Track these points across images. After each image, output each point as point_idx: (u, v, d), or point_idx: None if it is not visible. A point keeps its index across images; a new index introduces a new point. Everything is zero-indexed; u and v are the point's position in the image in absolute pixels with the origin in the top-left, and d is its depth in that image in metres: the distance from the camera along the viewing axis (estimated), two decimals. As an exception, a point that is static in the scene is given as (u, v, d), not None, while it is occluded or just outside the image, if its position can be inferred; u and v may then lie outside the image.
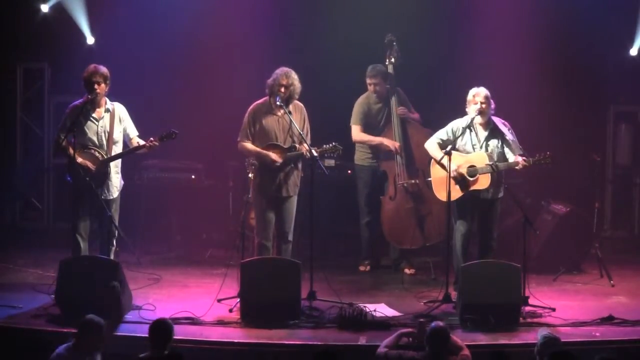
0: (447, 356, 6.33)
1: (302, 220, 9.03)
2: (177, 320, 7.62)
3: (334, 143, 8.54)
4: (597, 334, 7.47)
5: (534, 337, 6.89)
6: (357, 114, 9.83)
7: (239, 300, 7.89)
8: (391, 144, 9.68)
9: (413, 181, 9.69)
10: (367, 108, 9.82)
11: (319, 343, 7.17)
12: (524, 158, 8.32)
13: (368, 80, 9.81)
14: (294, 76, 8.51)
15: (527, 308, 7.94)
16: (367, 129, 9.82)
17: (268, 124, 8.60)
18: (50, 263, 9.06)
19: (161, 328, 6.37)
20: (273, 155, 8.51)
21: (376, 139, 9.76)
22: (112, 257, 8.39)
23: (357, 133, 9.80)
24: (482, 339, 7.33)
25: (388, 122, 9.80)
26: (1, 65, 11.56)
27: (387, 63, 9.75)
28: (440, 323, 6.53)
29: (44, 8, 11.30)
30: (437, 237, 9.67)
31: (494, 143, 8.53)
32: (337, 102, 10.06)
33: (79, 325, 6.41)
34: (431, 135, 9.15)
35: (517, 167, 8.40)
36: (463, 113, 8.60)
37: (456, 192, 8.47)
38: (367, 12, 10.80)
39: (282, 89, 8.46)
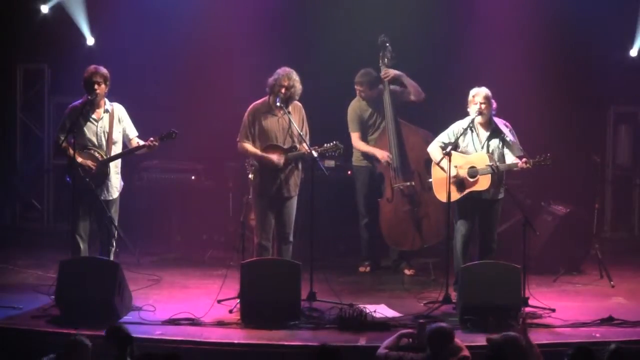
0: (447, 357, 6.31)
1: (302, 221, 9.02)
2: (177, 321, 7.65)
3: (335, 142, 8.54)
4: (597, 335, 7.46)
5: (534, 338, 6.88)
6: (352, 121, 9.83)
7: (239, 301, 7.89)
8: (381, 155, 9.68)
9: (408, 184, 9.68)
10: (360, 113, 9.82)
11: (319, 344, 7.16)
12: (524, 160, 8.32)
13: (355, 86, 9.83)
14: (296, 77, 8.50)
15: (527, 309, 7.93)
16: (363, 133, 9.83)
17: (268, 125, 8.60)
18: (50, 264, 9.06)
19: (117, 334, 6.17)
20: (274, 158, 8.50)
21: (371, 151, 9.75)
22: (111, 258, 8.39)
23: (356, 141, 9.81)
24: (482, 340, 7.29)
25: (382, 126, 9.79)
26: (1, 66, 11.58)
27: (380, 64, 9.75)
28: (443, 324, 6.50)
29: (44, 9, 11.31)
30: (435, 238, 9.68)
31: (494, 143, 8.53)
32: (336, 102, 10.05)
33: (64, 345, 6.12)
34: (427, 136, 9.19)
35: (515, 169, 8.41)
36: (463, 113, 8.60)
37: (456, 193, 8.47)
38: (366, 11, 10.80)
39: (283, 90, 8.46)
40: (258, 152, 8.56)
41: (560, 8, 10.85)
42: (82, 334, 6.24)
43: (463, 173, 8.46)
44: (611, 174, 11.62)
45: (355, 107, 9.86)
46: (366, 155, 9.85)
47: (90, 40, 11.40)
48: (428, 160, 8.85)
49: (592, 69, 11.06)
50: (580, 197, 10.38)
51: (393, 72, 9.72)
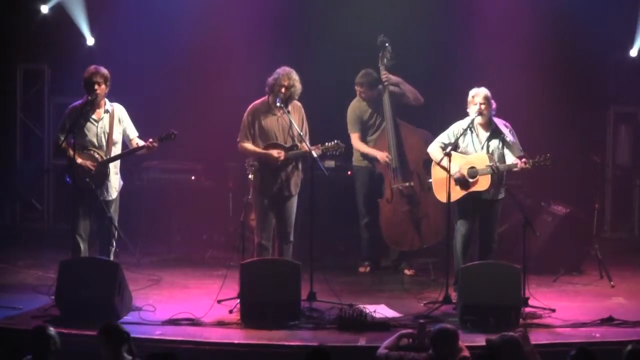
0: (449, 358, 6.29)
1: (302, 221, 9.03)
2: (177, 321, 7.65)
3: (336, 140, 8.55)
4: (597, 335, 7.45)
5: (534, 338, 6.89)
6: (352, 122, 9.84)
7: (239, 301, 7.88)
8: (380, 156, 9.68)
9: (407, 184, 9.69)
10: (360, 114, 9.83)
11: (318, 344, 7.16)
12: (524, 160, 8.32)
13: (355, 87, 9.84)
14: (295, 77, 8.50)
15: (527, 309, 7.93)
16: (363, 134, 9.84)
17: (268, 124, 8.60)
18: (50, 264, 9.06)
19: (112, 332, 6.09)
20: (275, 152, 8.50)
21: (371, 153, 9.75)
22: (111, 258, 8.39)
23: (356, 142, 9.82)
24: (482, 340, 7.28)
25: (381, 126, 9.79)
26: (1, 66, 11.57)
27: (379, 65, 9.75)
28: (448, 325, 6.49)
29: (44, 9, 11.31)
30: (434, 239, 9.69)
31: (494, 144, 8.53)
32: (336, 103, 10.05)
33: (31, 336, 6.05)
34: (427, 136, 9.19)
35: (515, 170, 8.41)
36: (463, 114, 8.60)
37: (456, 193, 8.47)
38: (367, 11, 10.80)
39: (283, 90, 8.46)
40: (258, 149, 8.56)
41: (560, 8, 10.85)
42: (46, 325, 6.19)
43: (464, 173, 8.45)
44: (611, 174, 11.61)
45: (355, 108, 9.86)
46: (366, 156, 9.85)
47: (90, 40, 11.40)
48: (427, 161, 8.85)
49: (592, 69, 11.06)
50: (580, 197, 10.38)
51: (394, 78, 9.73)
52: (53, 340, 5.93)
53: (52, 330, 6.00)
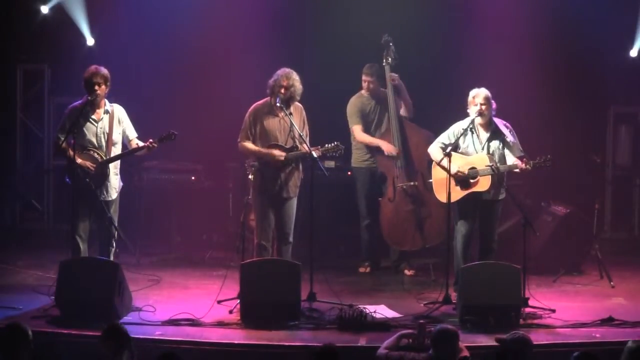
0: (450, 358, 6.29)
1: (302, 221, 9.02)
2: (177, 322, 7.65)
3: (336, 142, 8.54)
4: (597, 335, 7.45)
5: (534, 338, 6.88)
6: (353, 115, 9.83)
7: (238, 301, 7.88)
8: (389, 149, 9.68)
9: (412, 183, 9.68)
10: (361, 107, 9.82)
11: (319, 344, 7.15)
12: (524, 161, 8.32)
13: (363, 77, 9.81)
14: (295, 77, 8.50)
15: (527, 309, 7.93)
16: (364, 129, 9.82)
17: (269, 125, 8.60)
18: (50, 264, 9.06)
19: (117, 334, 6.02)
20: (276, 152, 8.51)
21: (376, 142, 9.75)
22: (111, 258, 8.39)
23: (359, 133, 9.80)
24: (482, 340, 7.31)
25: (387, 124, 9.79)
26: (1, 66, 11.57)
27: (384, 64, 9.75)
28: (449, 326, 6.49)
29: (44, 9, 11.32)
30: (436, 238, 9.66)
31: (495, 144, 8.53)
32: (336, 103, 10.05)
33: (5, 334, 5.82)
34: (430, 137, 9.18)
35: (516, 170, 8.41)
36: (463, 114, 8.60)
37: (457, 194, 8.46)
38: (367, 12, 10.81)
39: (283, 90, 8.46)
40: (259, 148, 8.56)
41: (561, 8, 10.85)
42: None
43: (464, 172, 8.45)
44: (611, 174, 11.61)
45: (356, 102, 9.85)
46: (368, 153, 9.82)
47: (90, 40, 11.40)
48: (430, 161, 8.84)
49: (592, 69, 11.05)
50: (580, 198, 10.38)
51: (398, 80, 9.73)
52: (27, 340, 5.75)
53: (27, 328, 5.82)
